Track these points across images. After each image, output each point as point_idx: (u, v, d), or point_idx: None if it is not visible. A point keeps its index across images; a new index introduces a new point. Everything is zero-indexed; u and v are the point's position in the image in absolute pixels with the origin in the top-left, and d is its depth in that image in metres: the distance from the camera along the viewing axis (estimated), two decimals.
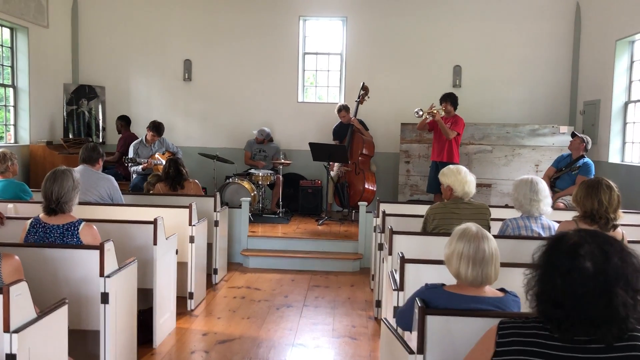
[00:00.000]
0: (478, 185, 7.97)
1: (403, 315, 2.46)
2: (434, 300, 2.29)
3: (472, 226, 2.39)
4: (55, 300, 2.68)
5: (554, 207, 5.35)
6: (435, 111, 6.94)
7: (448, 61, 9.01)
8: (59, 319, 2.65)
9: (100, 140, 9.24)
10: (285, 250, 6.77)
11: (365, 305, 5.24)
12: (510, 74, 8.94)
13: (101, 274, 3.16)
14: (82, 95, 9.11)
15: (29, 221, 3.34)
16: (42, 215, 3.35)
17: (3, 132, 7.96)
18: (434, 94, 7.58)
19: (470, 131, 8.02)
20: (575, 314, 1.48)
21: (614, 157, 7.68)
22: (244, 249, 6.68)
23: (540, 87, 8.95)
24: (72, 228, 3.31)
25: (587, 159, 6.33)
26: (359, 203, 6.82)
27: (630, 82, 7.51)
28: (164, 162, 6.90)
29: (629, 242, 3.55)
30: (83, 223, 3.36)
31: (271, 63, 9.21)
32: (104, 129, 9.34)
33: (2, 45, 7.78)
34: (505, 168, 8.06)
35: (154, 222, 4.03)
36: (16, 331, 2.31)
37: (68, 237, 3.29)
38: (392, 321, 2.82)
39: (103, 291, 3.16)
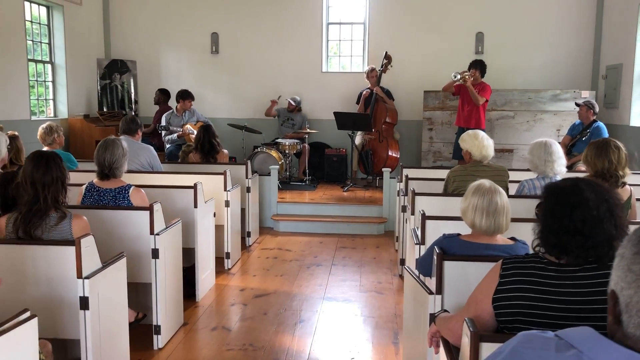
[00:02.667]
0: (500, 151, 8.19)
1: (423, 262, 2.76)
2: (451, 248, 2.59)
3: (486, 182, 2.66)
4: (111, 256, 3.03)
5: (575, 171, 5.57)
6: (466, 77, 7.05)
7: (470, 28, 9.11)
8: (120, 269, 3.02)
9: (133, 112, 9.60)
10: (313, 215, 7.10)
11: (390, 264, 5.56)
12: (532, 40, 9.01)
13: (151, 232, 3.52)
14: (114, 70, 9.47)
15: (84, 186, 3.71)
16: (95, 180, 3.71)
17: (43, 107, 8.37)
18: (457, 61, 7.73)
19: (492, 97, 8.15)
20: (592, 238, 1.77)
21: (635, 121, 7.77)
22: (274, 214, 7.03)
23: (563, 52, 9.00)
24: (123, 191, 3.67)
25: (597, 123, 6.50)
26: (383, 170, 7.09)
27: None
28: (193, 130, 7.25)
29: (638, 199, 3.78)
30: (132, 187, 3.71)
31: (295, 34, 9.42)
32: (136, 101, 9.70)
33: (39, 23, 8.13)
34: (527, 133, 8.21)
35: (194, 187, 4.37)
36: (87, 277, 2.68)
37: (120, 200, 3.66)
38: (414, 271, 3.13)
39: (153, 247, 3.53)
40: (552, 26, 8.97)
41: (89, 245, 2.72)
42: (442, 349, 2.16)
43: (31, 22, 7.88)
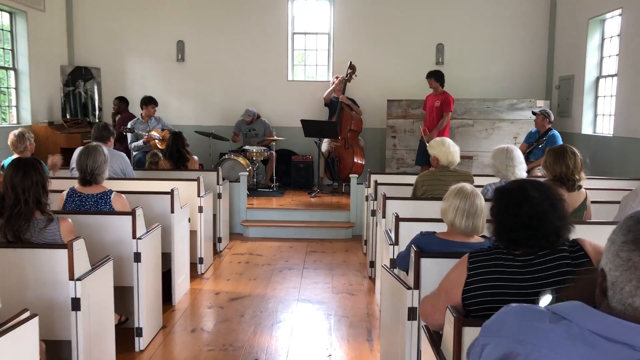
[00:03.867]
0: (460, 157, 8.50)
1: (404, 259, 2.94)
2: (428, 245, 2.78)
3: (467, 185, 2.86)
4: (93, 260, 3.10)
5: (532, 176, 5.90)
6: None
7: (431, 39, 9.45)
8: (107, 272, 3.10)
9: (97, 119, 9.55)
10: (282, 220, 7.24)
11: (360, 267, 5.74)
12: (489, 52, 9.42)
13: (134, 236, 3.61)
14: (78, 77, 9.40)
15: (66, 191, 3.76)
16: (77, 186, 3.77)
17: (6, 114, 8.25)
18: (419, 71, 8.03)
19: (453, 106, 8.48)
20: (540, 230, 2.00)
21: (586, 129, 8.22)
22: (244, 220, 7.14)
23: (519, 64, 9.44)
24: (105, 197, 3.74)
25: (552, 131, 6.88)
26: (350, 176, 7.30)
27: (602, 58, 8.02)
28: (159, 137, 7.29)
29: (592, 202, 4.07)
30: (114, 192, 3.78)
31: (262, 43, 9.56)
32: (100, 109, 9.65)
33: (2, 30, 8.03)
34: (485, 141, 8.56)
35: (171, 193, 4.46)
36: (79, 279, 2.76)
37: (102, 205, 3.72)
38: (390, 269, 3.31)
39: (136, 251, 3.61)
40: (508, 39, 9.39)
41: (80, 247, 2.80)
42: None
43: None
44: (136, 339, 3.70)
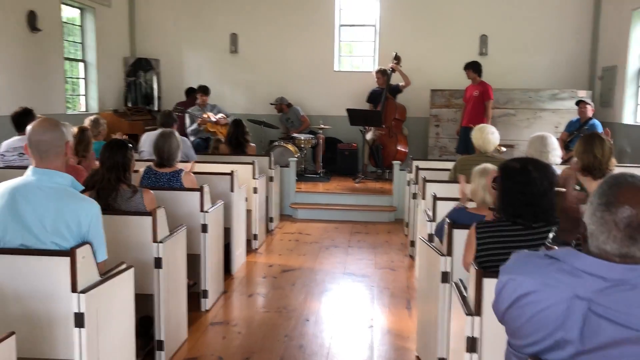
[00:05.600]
0: (502, 146, 8.75)
1: (439, 230, 3.35)
2: (460, 218, 3.18)
3: (489, 165, 3.24)
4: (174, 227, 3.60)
5: (571, 164, 6.14)
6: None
7: (475, 30, 9.69)
8: (182, 238, 3.64)
9: (156, 108, 10.20)
10: (328, 203, 7.69)
11: (401, 247, 6.15)
12: (532, 42, 9.58)
13: (201, 209, 4.12)
14: (139, 68, 10.07)
15: (143, 169, 4.30)
16: (152, 165, 4.31)
17: (76, 102, 8.98)
18: (462, 62, 8.28)
19: (495, 96, 8.69)
20: (540, 206, 2.38)
21: (627, 119, 8.34)
22: (293, 203, 7.63)
23: (562, 54, 9.58)
24: (177, 175, 4.28)
25: (593, 120, 7.08)
26: (394, 162, 7.68)
27: None
28: (213, 120, 7.84)
29: None
30: (184, 171, 4.31)
31: (310, 35, 10.01)
32: (159, 98, 10.30)
33: (73, 25, 8.73)
34: (527, 130, 8.76)
35: (231, 174, 4.97)
36: (161, 242, 3.29)
37: (173, 182, 4.26)
38: (427, 241, 3.71)
39: (203, 222, 4.13)
40: (552, 29, 9.54)
41: (162, 215, 3.31)
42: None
43: (66, 23, 8.47)
44: (202, 300, 4.23)
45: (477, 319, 2.27)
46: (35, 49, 7.45)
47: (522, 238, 2.41)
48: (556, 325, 1.44)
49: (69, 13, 8.63)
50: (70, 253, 2.40)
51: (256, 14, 10.05)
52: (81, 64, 8.96)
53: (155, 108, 10.19)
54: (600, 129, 6.98)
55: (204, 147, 7.87)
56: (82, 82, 9.04)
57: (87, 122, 5.88)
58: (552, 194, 2.42)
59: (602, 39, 9.32)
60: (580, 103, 7.27)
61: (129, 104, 9.93)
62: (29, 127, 2.50)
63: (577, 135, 7.13)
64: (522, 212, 2.43)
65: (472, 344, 2.29)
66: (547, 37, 9.56)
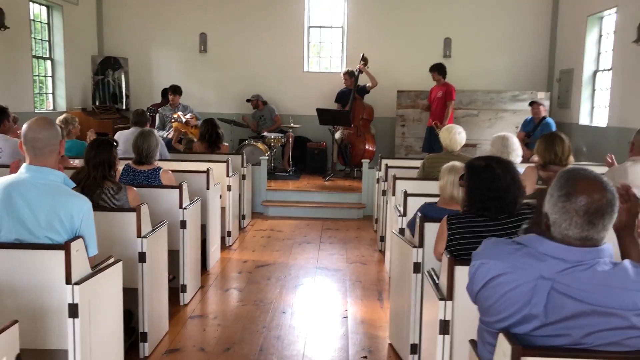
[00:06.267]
0: (466, 146, 9.05)
1: (411, 224, 3.55)
2: (431, 213, 3.38)
3: (457, 163, 3.46)
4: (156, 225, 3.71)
5: (531, 162, 6.47)
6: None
7: (439, 33, 10.00)
8: (163, 234, 3.74)
9: (124, 107, 10.19)
10: (299, 201, 7.86)
11: (371, 242, 6.36)
12: (495, 46, 9.96)
13: (180, 206, 4.23)
14: (107, 66, 10.03)
15: (122, 167, 4.38)
16: (131, 162, 4.39)
17: (43, 101, 8.91)
18: (427, 64, 8.55)
19: (458, 97, 9.03)
20: (505, 199, 2.60)
21: (584, 120, 8.76)
22: (264, 200, 7.76)
23: (522, 57, 9.98)
24: (155, 173, 4.38)
25: (547, 119, 7.48)
26: (363, 160, 7.90)
27: (599, 53, 8.55)
28: (183, 120, 7.88)
29: None
30: (162, 169, 4.41)
31: (279, 36, 10.15)
32: (127, 96, 10.28)
33: (41, 22, 8.66)
34: (489, 130, 9.11)
35: (207, 172, 5.08)
36: (145, 237, 3.40)
37: (152, 179, 4.36)
38: (399, 234, 3.92)
39: (182, 219, 4.24)
40: (513, 33, 9.92)
41: (145, 211, 3.42)
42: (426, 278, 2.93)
43: (34, 20, 8.40)
44: (181, 294, 4.34)
45: (449, 303, 2.47)
46: (2, 47, 7.39)
47: (488, 229, 2.62)
48: (524, 303, 1.65)
49: (37, 10, 8.55)
50: (64, 246, 2.50)
51: (225, 13, 10.14)
52: (49, 62, 8.89)
53: (124, 107, 10.17)
54: (554, 126, 7.36)
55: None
56: (49, 80, 8.97)
57: (57, 122, 5.91)
58: (515, 188, 2.63)
59: (559, 43, 9.74)
60: (533, 104, 7.66)
61: (97, 103, 9.88)
62: (25, 126, 2.59)
63: (533, 136, 7.50)
64: (488, 205, 2.64)
65: (444, 327, 2.49)
66: (508, 41, 9.95)
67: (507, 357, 1.59)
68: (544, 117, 7.53)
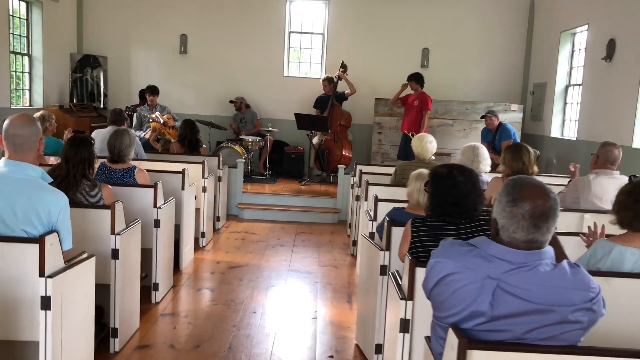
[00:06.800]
0: (439, 154, 9.25)
1: (380, 228, 3.67)
2: (398, 217, 3.50)
3: (424, 170, 3.59)
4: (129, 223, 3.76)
5: (498, 171, 6.67)
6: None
7: (418, 44, 10.20)
8: (137, 231, 3.80)
9: (102, 105, 10.17)
10: (274, 204, 7.94)
11: (344, 246, 6.47)
12: (471, 58, 10.18)
13: (154, 206, 4.29)
14: (86, 64, 10.02)
15: (97, 165, 4.41)
16: (106, 161, 4.44)
17: (20, 97, 8.86)
18: (405, 73, 8.71)
19: (434, 107, 9.21)
20: (464, 206, 2.74)
21: (555, 132, 9.01)
22: (240, 203, 7.83)
23: (497, 70, 10.22)
24: (130, 172, 4.43)
25: (503, 125, 7.78)
26: (339, 166, 8.02)
27: (571, 68, 8.81)
28: (161, 121, 7.90)
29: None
30: (137, 168, 4.47)
31: (260, 40, 10.24)
32: (105, 95, 10.27)
33: (20, 18, 8.63)
34: (463, 140, 9.29)
35: (183, 172, 5.15)
36: (119, 234, 3.46)
37: (127, 178, 4.41)
38: (369, 238, 4.03)
39: (156, 218, 4.29)
40: (489, 46, 10.16)
41: (119, 209, 3.48)
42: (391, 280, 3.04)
43: (12, 16, 8.37)
44: (153, 292, 4.40)
45: (409, 302, 2.58)
46: None
47: (449, 233, 2.74)
48: (472, 300, 1.76)
49: (16, 6, 8.52)
50: (39, 240, 2.56)
51: (206, 16, 10.21)
52: (26, 58, 8.85)
53: (102, 105, 10.16)
54: (510, 128, 7.69)
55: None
56: (26, 77, 8.93)
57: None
58: (475, 195, 2.77)
59: (534, 57, 10.00)
60: (485, 117, 7.94)
61: (75, 101, 9.86)
62: (6, 122, 2.64)
63: (494, 144, 7.74)
64: (449, 211, 2.78)
65: (405, 325, 2.60)
66: (484, 53, 10.18)
67: (455, 350, 1.70)
68: (500, 124, 7.80)
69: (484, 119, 8.00)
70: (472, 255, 1.84)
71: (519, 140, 7.98)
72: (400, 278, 2.84)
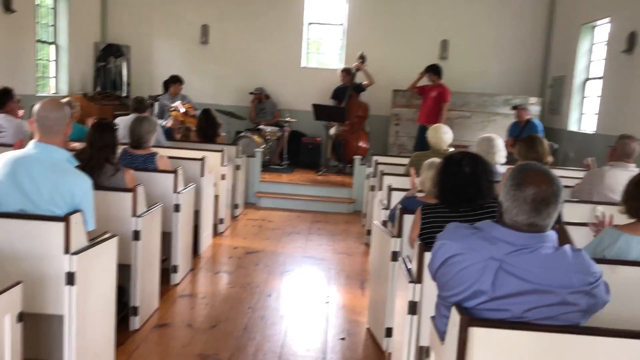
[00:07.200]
0: (456, 146, 9.26)
1: (392, 215, 3.76)
2: (410, 205, 3.58)
3: (436, 159, 3.66)
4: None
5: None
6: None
7: (436, 35, 10.20)
8: (157, 215, 3.95)
9: (124, 94, 10.36)
10: (291, 194, 8.06)
11: (358, 235, 6.57)
12: (490, 50, 10.16)
13: (174, 191, 4.43)
14: (109, 53, 10.19)
15: (120, 150, 4.56)
16: (128, 147, 4.59)
17: (46, 84, 9.08)
18: (424, 64, 8.72)
19: (452, 99, 9.19)
20: (462, 195, 2.82)
21: (572, 126, 8.98)
22: (257, 191, 7.96)
23: (517, 62, 10.19)
24: (151, 157, 4.57)
25: (533, 121, 7.72)
26: (355, 157, 8.10)
27: (590, 62, 8.77)
28: (182, 110, 8.03)
29: (568, 186, 4.83)
30: (158, 154, 4.61)
31: (279, 31, 10.35)
32: (128, 84, 10.46)
33: (47, 7, 8.83)
34: (480, 132, 9.23)
35: (202, 159, 5.28)
36: (139, 216, 3.59)
37: (148, 164, 4.55)
38: (381, 225, 4.12)
39: (176, 202, 4.43)
40: (509, 38, 10.13)
41: (141, 192, 3.62)
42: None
43: (39, 6, 8.57)
44: (172, 275, 4.54)
45: (418, 285, 2.68)
46: (8, 30, 7.55)
47: (457, 220, 2.81)
48: (474, 280, 1.85)
49: None
50: (64, 219, 2.70)
51: (228, 7, 10.33)
52: (52, 47, 9.06)
53: (124, 94, 10.34)
54: (540, 126, 7.61)
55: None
56: (52, 65, 9.14)
57: None
58: (477, 187, 2.82)
59: (553, 50, 9.95)
60: (516, 108, 7.90)
61: (98, 89, 10.06)
62: (37, 105, 2.78)
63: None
64: (445, 196, 2.87)
65: (413, 307, 2.69)
66: (503, 45, 10.15)
67: (457, 326, 1.79)
68: (529, 120, 7.75)
69: (515, 111, 7.95)
70: (476, 238, 1.92)
71: None
72: (410, 263, 2.94)
